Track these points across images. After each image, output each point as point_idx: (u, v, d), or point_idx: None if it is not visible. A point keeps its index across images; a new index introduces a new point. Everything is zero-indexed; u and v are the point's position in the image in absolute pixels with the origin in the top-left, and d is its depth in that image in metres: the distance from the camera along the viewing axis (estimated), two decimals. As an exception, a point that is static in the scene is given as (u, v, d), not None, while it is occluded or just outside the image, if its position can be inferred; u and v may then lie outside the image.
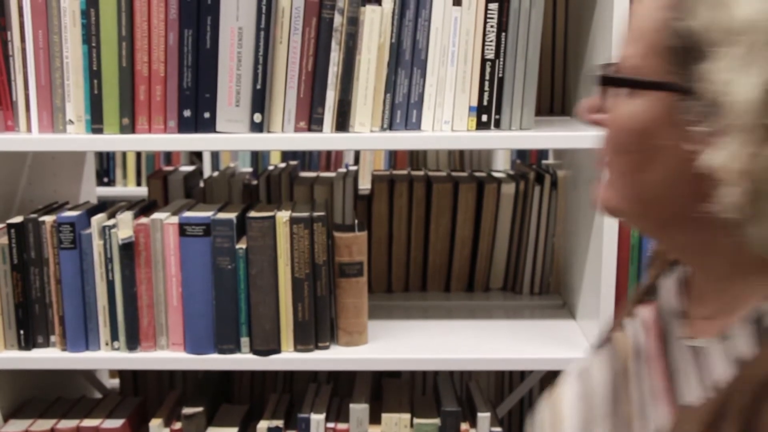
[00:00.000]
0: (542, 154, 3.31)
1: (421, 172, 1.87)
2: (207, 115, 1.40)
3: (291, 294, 1.44)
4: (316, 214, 1.43)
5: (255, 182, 1.80)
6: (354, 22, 1.38)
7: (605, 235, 1.40)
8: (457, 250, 1.80)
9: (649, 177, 0.72)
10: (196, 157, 3.64)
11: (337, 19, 1.38)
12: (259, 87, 1.39)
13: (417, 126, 1.43)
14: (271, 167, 1.89)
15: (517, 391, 1.82)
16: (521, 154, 3.44)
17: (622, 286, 1.43)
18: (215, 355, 1.46)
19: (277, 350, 1.46)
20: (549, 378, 1.89)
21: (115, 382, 1.96)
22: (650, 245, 1.42)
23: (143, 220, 1.44)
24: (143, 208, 1.52)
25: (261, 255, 1.42)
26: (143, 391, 1.82)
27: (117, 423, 1.57)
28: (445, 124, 1.43)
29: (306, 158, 3.59)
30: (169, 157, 3.67)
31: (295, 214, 1.43)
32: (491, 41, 1.41)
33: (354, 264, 1.47)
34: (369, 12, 1.38)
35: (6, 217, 1.50)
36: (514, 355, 1.49)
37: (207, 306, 1.44)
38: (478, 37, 1.41)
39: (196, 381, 1.79)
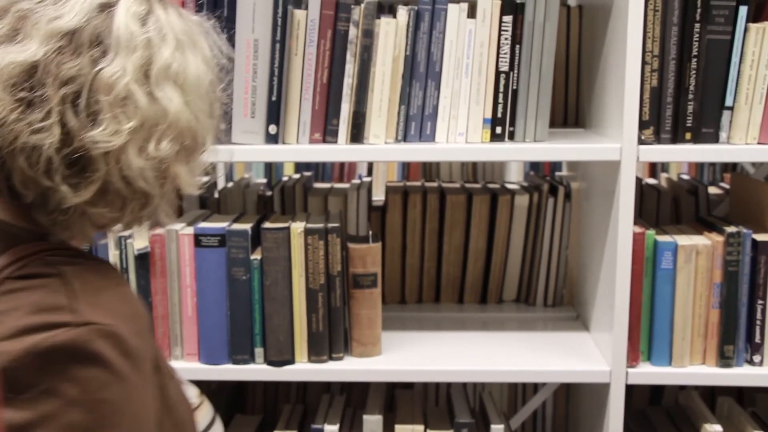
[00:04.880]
0: (556, 165, 3.31)
1: (435, 184, 1.88)
2: (222, 126, 1.41)
3: (305, 305, 1.45)
4: (330, 225, 1.44)
5: (269, 193, 1.80)
6: (369, 35, 1.39)
7: (619, 248, 1.40)
8: (471, 261, 1.80)
9: None
10: (210, 167, 3.64)
11: (352, 32, 1.39)
12: (274, 98, 1.40)
13: (431, 138, 1.43)
14: (285, 178, 1.90)
15: (531, 404, 1.81)
16: (534, 166, 3.44)
17: (636, 298, 1.42)
18: (229, 366, 1.47)
19: (291, 361, 1.47)
20: (562, 390, 1.88)
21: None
22: (666, 257, 1.42)
23: (158, 230, 1.44)
24: (159, 218, 1.53)
25: (275, 266, 1.43)
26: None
27: (131, 433, 1.57)
28: (460, 136, 1.43)
29: (319, 169, 3.60)
30: (183, 167, 3.68)
31: (309, 225, 1.43)
32: (505, 53, 1.41)
33: (368, 275, 1.47)
34: (384, 24, 1.39)
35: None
36: (528, 367, 1.49)
37: (221, 316, 1.45)
38: (493, 49, 1.41)
39: (209, 391, 1.79)
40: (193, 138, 0.86)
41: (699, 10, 1.37)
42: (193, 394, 0.93)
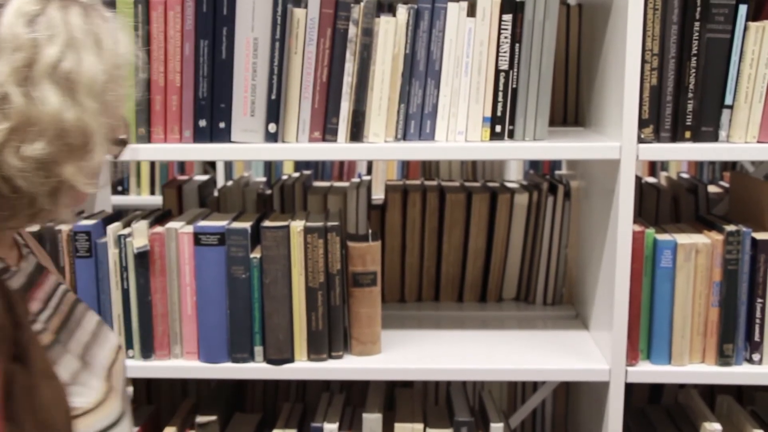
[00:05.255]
0: (555, 164, 3.32)
1: (435, 182, 1.88)
2: (222, 125, 1.41)
3: (305, 303, 1.45)
4: (329, 223, 1.44)
5: (269, 192, 1.80)
6: (368, 33, 1.39)
7: (618, 246, 1.40)
8: (470, 260, 1.80)
9: None
10: (209, 166, 3.65)
11: (352, 30, 1.39)
12: (273, 97, 1.40)
13: (431, 136, 1.44)
14: (284, 177, 1.90)
15: (530, 402, 1.81)
16: (534, 165, 3.44)
17: (636, 297, 1.42)
18: (229, 364, 1.47)
19: (291, 359, 1.47)
20: (562, 389, 1.88)
21: (128, 390, 1.97)
22: (665, 256, 1.42)
23: (158, 229, 1.44)
24: (158, 217, 1.53)
25: (275, 264, 1.43)
26: (156, 400, 1.83)
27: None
28: (459, 135, 1.44)
29: (319, 168, 3.61)
30: (182, 166, 3.69)
31: (309, 224, 1.43)
32: (505, 52, 1.41)
33: (367, 274, 1.47)
34: (383, 23, 1.39)
35: (22, 225, 1.51)
36: (527, 366, 1.49)
37: (221, 315, 1.45)
38: (492, 47, 1.41)
39: (209, 390, 1.79)
40: (83, 137, 0.86)
41: (699, 9, 1.37)
42: (86, 401, 0.92)
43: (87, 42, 0.86)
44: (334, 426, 1.52)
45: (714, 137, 1.42)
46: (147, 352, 1.47)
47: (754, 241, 1.42)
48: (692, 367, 1.45)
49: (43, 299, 0.97)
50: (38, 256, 1.06)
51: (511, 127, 1.44)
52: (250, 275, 1.44)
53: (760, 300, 1.43)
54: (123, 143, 0.97)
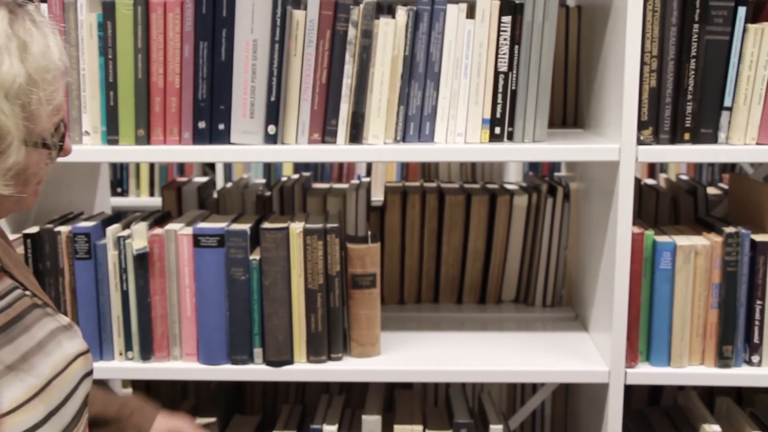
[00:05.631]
0: (554, 166, 3.32)
1: (434, 184, 1.88)
2: (221, 126, 1.41)
3: (304, 305, 1.45)
4: (329, 225, 1.44)
5: (268, 193, 1.81)
6: (368, 35, 1.39)
7: (618, 248, 1.40)
8: (470, 261, 1.80)
9: None
10: (209, 168, 3.65)
11: (351, 32, 1.39)
12: (273, 99, 1.40)
13: (430, 138, 1.44)
14: (284, 178, 1.90)
15: (530, 404, 1.81)
16: (533, 166, 3.44)
17: (635, 298, 1.42)
18: (228, 366, 1.47)
19: (290, 361, 1.47)
20: (561, 391, 1.88)
21: (127, 392, 1.97)
22: (664, 257, 1.42)
23: (157, 230, 1.44)
24: (157, 219, 1.53)
25: (274, 266, 1.43)
26: (156, 402, 1.82)
27: (130, 433, 1.57)
28: (458, 137, 1.44)
29: (318, 170, 3.61)
30: (182, 167, 3.69)
31: (308, 226, 1.43)
32: (504, 54, 1.41)
33: (367, 275, 1.48)
34: (383, 25, 1.39)
35: (22, 227, 1.51)
36: (526, 368, 1.49)
37: (220, 317, 1.45)
38: (491, 49, 1.41)
39: (208, 391, 1.79)
40: None
41: (698, 11, 1.37)
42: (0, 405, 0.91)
43: (10, 46, 0.87)
44: (334, 428, 1.52)
45: (713, 139, 1.42)
46: (146, 353, 1.47)
47: (753, 242, 1.42)
48: (691, 369, 1.45)
49: None
50: (3, 258, 1.05)
51: (510, 129, 1.44)
52: (250, 277, 1.44)
53: (759, 302, 1.43)
54: (50, 146, 0.96)
